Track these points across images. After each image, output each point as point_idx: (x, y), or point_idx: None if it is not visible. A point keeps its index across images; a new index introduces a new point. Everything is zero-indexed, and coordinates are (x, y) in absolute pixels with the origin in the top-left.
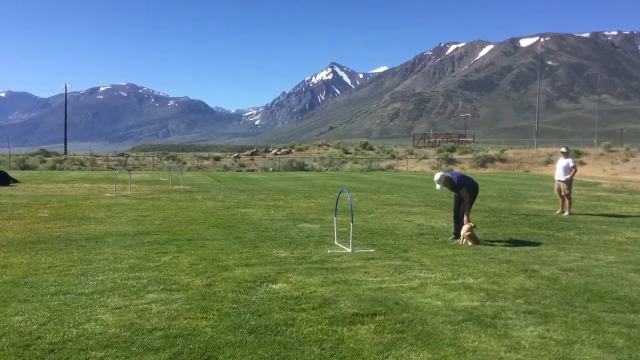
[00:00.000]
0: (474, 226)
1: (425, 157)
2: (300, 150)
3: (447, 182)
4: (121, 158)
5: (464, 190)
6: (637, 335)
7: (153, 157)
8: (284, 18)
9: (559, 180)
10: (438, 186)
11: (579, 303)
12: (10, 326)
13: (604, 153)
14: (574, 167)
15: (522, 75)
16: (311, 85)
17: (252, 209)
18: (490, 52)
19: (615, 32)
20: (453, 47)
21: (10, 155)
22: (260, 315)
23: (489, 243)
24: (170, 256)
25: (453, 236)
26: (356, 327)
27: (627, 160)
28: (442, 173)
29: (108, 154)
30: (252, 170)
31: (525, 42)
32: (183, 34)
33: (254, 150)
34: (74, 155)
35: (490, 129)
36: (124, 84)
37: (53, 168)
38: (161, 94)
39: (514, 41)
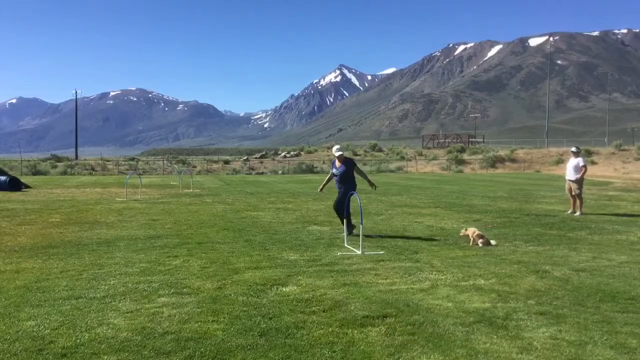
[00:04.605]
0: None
1: (434, 158)
2: (310, 152)
3: (343, 157)
4: (131, 162)
5: (357, 167)
6: None
7: (163, 161)
8: (292, 21)
9: (570, 180)
10: (337, 153)
11: (591, 303)
12: (23, 331)
13: (615, 152)
14: (584, 166)
15: (531, 75)
16: (319, 87)
17: (262, 212)
18: (499, 52)
19: (625, 30)
20: (462, 47)
21: (21, 160)
22: (270, 318)
23: (499, 244)
24: (181, 260)
25: (347, 231)
26: (367, 330)
27: (639, 159)
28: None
29: (118, 158)
30: (262, 173)
31: (534, 42)
32: (192, 39)
33: (263, 153)
34: (85, 160)
35: (500, 129)
36: (134, 88)
37: (64, 173)
38: (170, 98)
39: (523, 41)
